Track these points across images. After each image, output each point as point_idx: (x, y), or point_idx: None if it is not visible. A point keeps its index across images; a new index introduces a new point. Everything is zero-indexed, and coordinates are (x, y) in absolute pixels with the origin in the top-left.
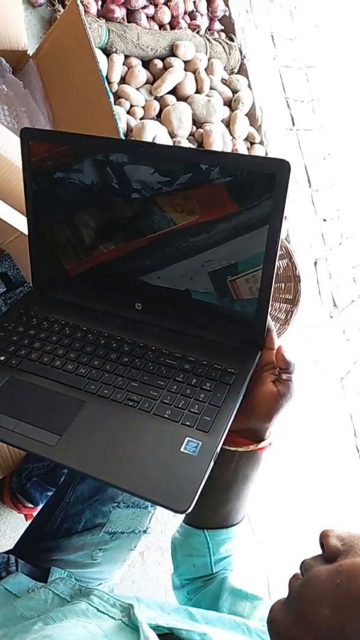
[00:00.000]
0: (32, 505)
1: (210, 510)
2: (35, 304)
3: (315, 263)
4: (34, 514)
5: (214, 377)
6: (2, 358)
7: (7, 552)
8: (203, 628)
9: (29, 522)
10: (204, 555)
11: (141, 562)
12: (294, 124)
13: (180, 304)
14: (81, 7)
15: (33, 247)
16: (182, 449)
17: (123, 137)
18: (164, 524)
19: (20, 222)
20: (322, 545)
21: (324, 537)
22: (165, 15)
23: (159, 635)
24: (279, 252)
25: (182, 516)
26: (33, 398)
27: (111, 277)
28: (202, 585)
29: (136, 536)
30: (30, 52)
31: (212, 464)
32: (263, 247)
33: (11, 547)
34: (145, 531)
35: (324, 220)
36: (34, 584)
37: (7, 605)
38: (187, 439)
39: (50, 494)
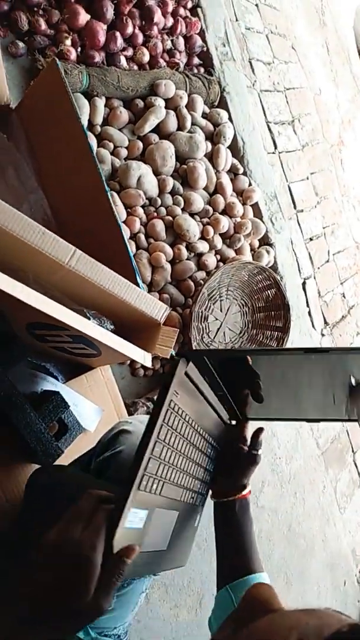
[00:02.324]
0: None
1: (227, 567)
2: (181, 390)
3: (304, 283)
4: None
5: (215, 459)
6: (155, 486)
7: None
8: None
9: None
10: (230, 608)
11: (145, 600)
12: (276, 147)
13: None
14: (60, 66)
15: None
16: (194, 525)
17: (106, 186)
18: None
19: (7, 283)
20: None
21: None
22: (145, 56)
23: None
24: (266, 282)
25: None
26: (158, 523)
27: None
28: None
29: (147, 580)
30: (13, 103)
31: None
32: None
33: None
34: (155, 574)
35: (310, 239)
36: None
37: None
38: (197, 516)
39: None
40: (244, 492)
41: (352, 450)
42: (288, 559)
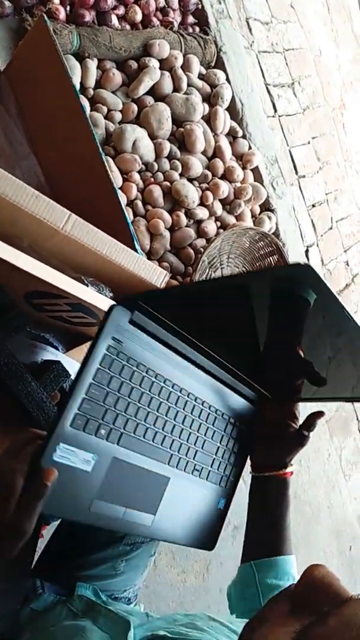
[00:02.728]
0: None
1: (255, 542)
2: (124, 337)
3: (307, 251)
4: (44, 532)
5: (239, 440)
6: (103, 432)
7: (33, 576)
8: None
9: (41, 539)
10: (252, 586)
11: (153, 566)
12: (275, 111)
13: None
14: (49, 23)
15: None
16: (217, 506)
17: (101, 149)
18: None
19: (3, 250)
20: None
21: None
22: (137, 15)
23: None
24: (268, 249)
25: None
26: (131, 479)
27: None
28: None
29: (155, 542)
30: (1, 66)
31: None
32: None
33: None
34: (152, 555)
35: (313, 206)
36: (57, 598)
37: (31, 624)
38: (220, 498)
39: None
40: (285, 471)
41: (357, 419)
42: (294, 526)
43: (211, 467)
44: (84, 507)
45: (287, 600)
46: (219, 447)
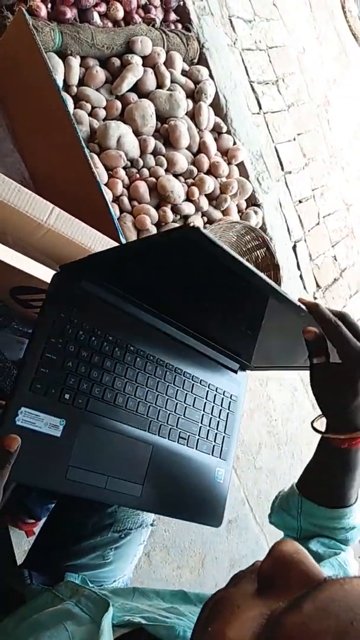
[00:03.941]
0: (32, 521)
1: (315, 485)
2: (73, 304)
3: (295, 246)
4: (35, 529)
5: (225, 406)
6: (68, 397)
7: (20, 566)
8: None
9: (33, 537)
10: (294, 517)
11: (147, 562)
12: (260, 108)
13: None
14: (29, 18)
15: None
16: (215, 479)
17: (84, 145)
18: (167, 523)
19: None
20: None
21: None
22: (119, 12)
23: (133, 631)
24: (255, 242)
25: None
26: (109, 446)
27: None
28: None
29: (144, 530)
30: None
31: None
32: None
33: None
34: (152, 524)
35: (300, 201)
36: (42, 587)
37: (16, 612)
38: (216, 469)
39: (51, 506)
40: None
41: None
42: None
43: (199, 435)
44: (60, 475)
45: (252, 579)
46: (203, 415)
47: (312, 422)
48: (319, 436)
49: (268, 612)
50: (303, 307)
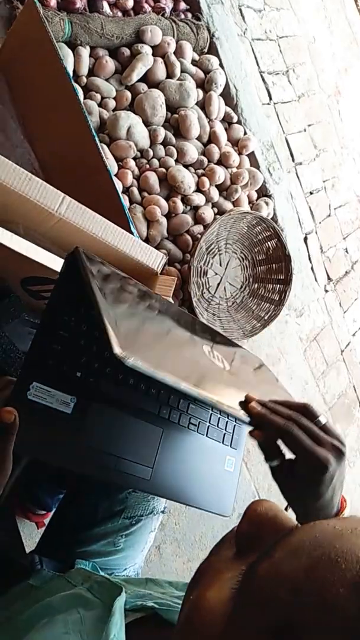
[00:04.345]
0: (43, 512)
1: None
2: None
3: (306, 238)
4: (46, 520)
5: None
6: (79, 375)
7: (32, 552)
8: None
9: (43, 528)
10: None
11: (158, 555)
12: (271, 98)
13: None
14: (39, 6)
15: None
16: (225, 468)
17: (95, 135)
18: (178, 516)
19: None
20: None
21: (245, 512)
22: (128, 1)
23: (146, 616)
24: (266, 234)
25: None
26: (119, 427)
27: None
28: None
29: (155, 517)
30: None
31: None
32: None
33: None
34: (163, 511)
35: (310, 193)
36: (53, 574)
37: (28, 598)
38: (227, 458)
39: (61, 496)
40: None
41: None
42: None
43: (209, 422)
44: (70, 452)
45: (232, 544)
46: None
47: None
48: None
49: (245, 568)
50: (246, 419)
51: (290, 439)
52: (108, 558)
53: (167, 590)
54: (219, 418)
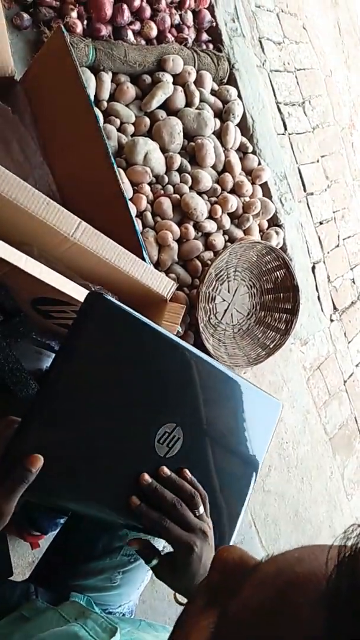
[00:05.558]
0: (38, 533)
1: None
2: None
3: (314, 268)
4: (41, 542)
5: None
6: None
7: (26, 580)
8: None
9: (38, 549)
10: None
11: (150, 581)
12: (286, 129)
13: None
14: (66, 34)
15: None
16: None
17: (113, 159)
18: None
19: (11, 254)
20: None
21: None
22: (152, 30)
23: None
24: (275, 263)
25: None
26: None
27: None
28: None
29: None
30: (18, 76)
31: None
32: None
33: (19, 575)
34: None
35: (320, 223)
36: (47, 606)
37: (20, 631)
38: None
39: (59, 521)
40: None
41: None
42: (294, 544)
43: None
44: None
45: (203, 594)
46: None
47: (174, 595)
48: (329, 461)
49: (219, 613)
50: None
51: (163, 530)
52: (104, 593)
53: (161, 634)
54: None
